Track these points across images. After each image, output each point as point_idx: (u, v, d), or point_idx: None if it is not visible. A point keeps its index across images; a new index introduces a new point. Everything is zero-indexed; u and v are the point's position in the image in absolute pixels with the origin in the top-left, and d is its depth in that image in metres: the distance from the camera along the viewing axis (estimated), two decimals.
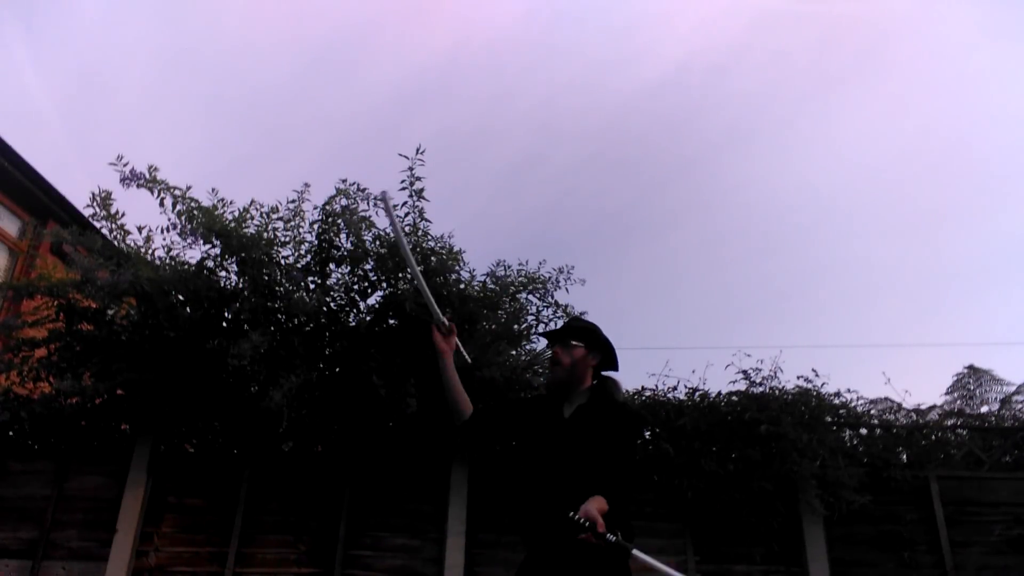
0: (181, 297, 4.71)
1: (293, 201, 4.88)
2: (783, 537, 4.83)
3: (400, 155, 4.65)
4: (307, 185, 4.92)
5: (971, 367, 6.85)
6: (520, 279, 5.08)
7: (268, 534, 4.93)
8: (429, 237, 4.83)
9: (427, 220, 4.83)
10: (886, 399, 5.52)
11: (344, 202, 4.77)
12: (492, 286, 4.95)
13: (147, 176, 4.55)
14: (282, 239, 4.87)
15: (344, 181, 4.81)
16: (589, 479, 2.10)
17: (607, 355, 2.45)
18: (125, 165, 4.53)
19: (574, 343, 2.38)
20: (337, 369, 4.88)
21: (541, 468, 2.25)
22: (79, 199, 7.32)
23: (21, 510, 5.02)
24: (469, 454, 5.01)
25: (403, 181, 4.72)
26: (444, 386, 2.43)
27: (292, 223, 4.88)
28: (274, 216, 4.84)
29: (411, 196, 4.76)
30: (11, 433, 5.30)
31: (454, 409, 2.42)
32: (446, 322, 2.40)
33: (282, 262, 4.84)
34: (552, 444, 2.28)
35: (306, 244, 4.94)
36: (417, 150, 4.64)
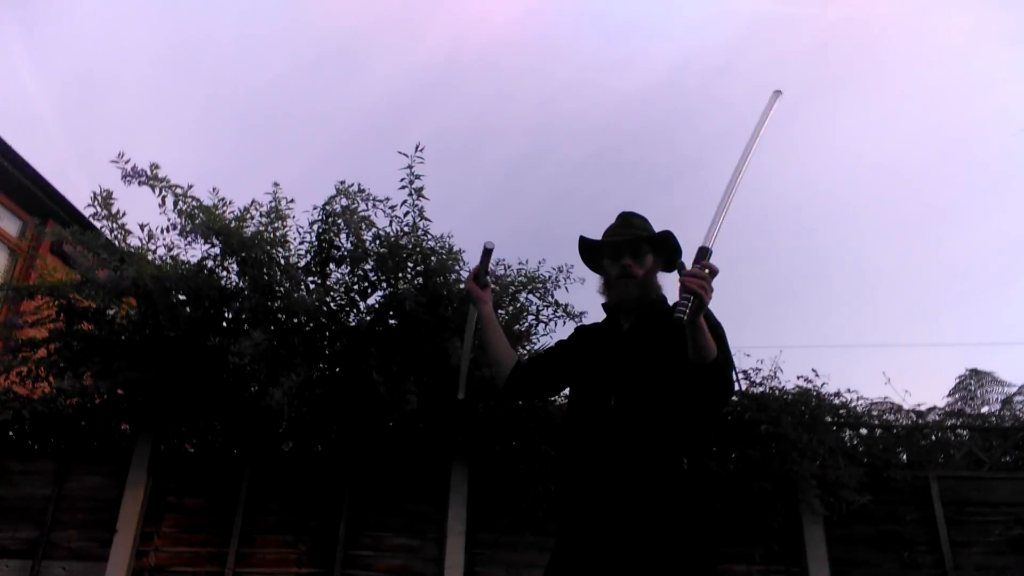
0: (182, 296, 4.71)
1: (272, 201, 4.87)
2: (783, 537, 4.82)
3: (399, 153, 4.64)
4: (276, 184, 4.90)
5: (973, 369, 6.88)
6: (520, 279, 5.08)
7: (268, 534, 4.93)
8: (429, 237, 4.83)
9: (427, 219, 4.83)
10: (886, 399, 5.53)
11: (344, 202, 4.77)
12: (492, 286, 4.95)
13: (148, 173, 4.55)
14: (280, 239, 4.87)
15: (343, 182, 4.81)
16: (656, 411, 1.77)
17: (671, 256, 2.06)
18: (127, 162, 4.53)
19: (646, 250, 2.01)
20: (337, 369, 4.88)
21: (595, 402, 1.87)
22: (78, 200, 7.33)
23: (21, 510, 5.01)
24: (469, 453, 5.01)
25: (402, 180, 4.72)
26: (485, 343, 2.13)
27: (275, 224, 4.87)
28: (267, 216, 4.84)
29: (411, 195, 4.76)
30: (11, 433, 5.29)
31: (498, 371, 2.12)
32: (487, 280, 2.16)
33: (282, 262, 4.84)
34: (609, 366, 1.90)
35: (305, 244, 4.95)
36: (416, 148, 4.63)
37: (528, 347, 5.22)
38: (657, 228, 2.05)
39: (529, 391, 2.17)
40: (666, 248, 2.04)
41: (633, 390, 1.82)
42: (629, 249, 2.00)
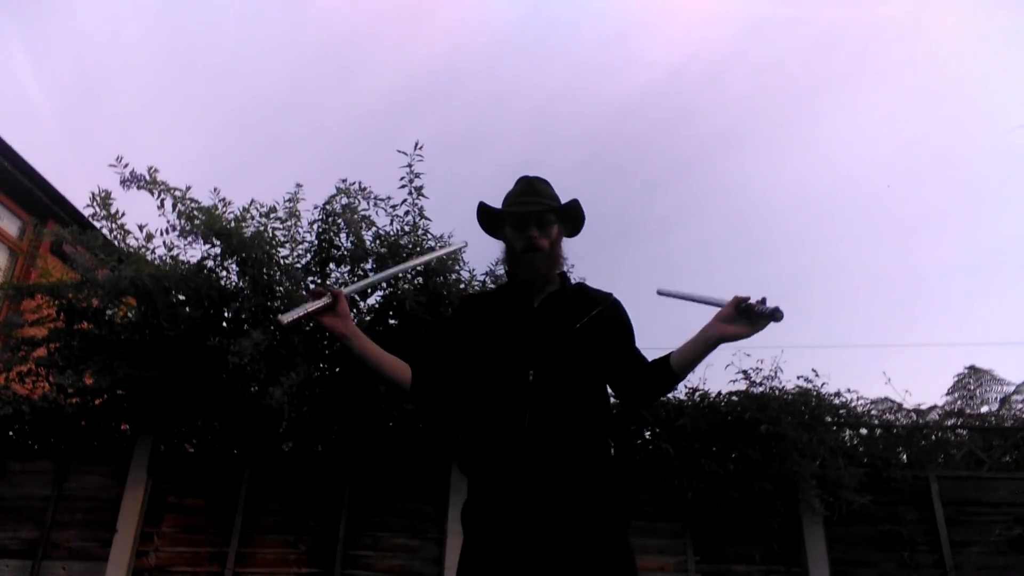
0: (182, 296, 4.71)
1: (289, 201, 4.87)
2: (783, 537, 4.82)
3: (399, 151, 4.63)
4: (299, 186, 4.90)
5: (972, 367, 6.86)
6: None
7: (268, 534, 4.92)
8: (429, 236, 4.83)
9: (427, 219, 4.82)
10: (886, 399, 5.52)
11: (345, 201, 4.77)
12: (491, 285, 4.95)
13: (147, 178, 4.54)
14: (281, 239, 4.87)
15: (344, 181, 4.81)
16: (579, 388, 1.72)
17: (576, 223, 2.00)
18: (125, 166, 4.52)
19: (552, 219, 1.91)
20: (337, 368, 4.88)
21: (511, 377, 1.74)
22: (78, 200, 7.33)
23: (21, 510, 5.01)
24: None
25: (402, 179, 4.72)
26: (373, 370, 1.80)
27: (288, 223, 4.87)
28: (272, 216, 4.84)
29: (410, 194, 4.75)
30: (11, 433, 5.29)
31: (397, 384, 1.82)
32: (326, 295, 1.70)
33: (282, 262, 4.84)
34: (523, 340, 1.78)
35: (305, 244, 4.95)
36: (416, 145, 4.62)
37: None
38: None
39: (442, 389, 1.86)
40: (570, 216, 1.97)
41: (553, 365, 1.73)
42: (535, 219, 1.88)
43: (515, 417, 1.68)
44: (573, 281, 2.01)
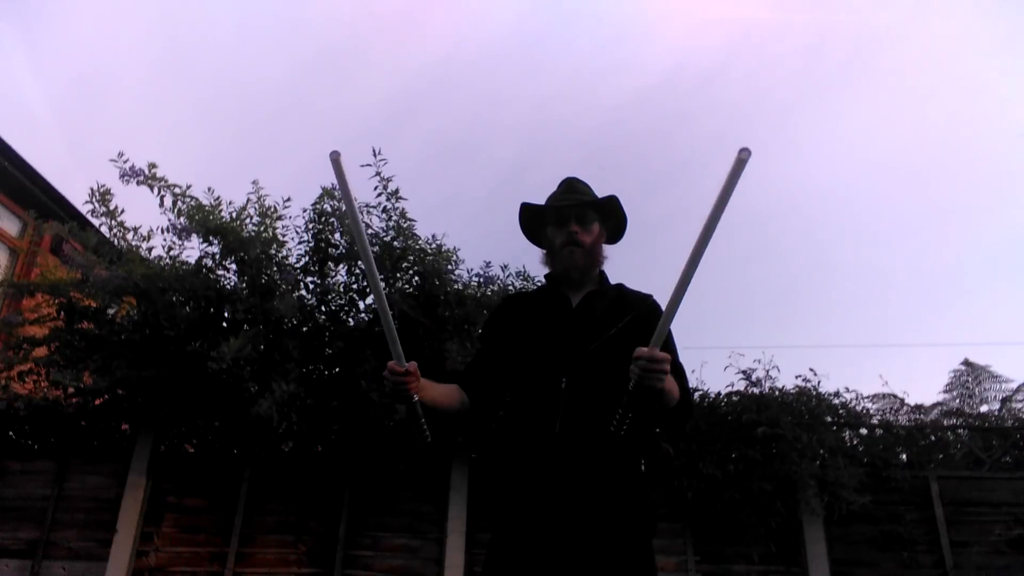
0: (181, 297, 4.70)
1: (288, 200, 4.86)
2: (783, 537, 4.82)
3: (362, 166, 4.54)
4: (255, 182, 4.84)
5: (967, 362, 6.82)
6: (516, 278, 5.05)
7: (268, 534, 4.93)
8: (419, 239, 4.78)
9: (411, 220, 4.76)
10: (886, 397, 5.51)
11: (332, 202, 4.75)
12: (487, 287, 4.92)
13: (146, 173, 4.54)
14: (280, 238, 4.86)
15: (333, 186, 4.77)
16: (612, 397, 1.62)
17: (618, 227, 1.99)
18: (125, 162, 4.52)
19: (592, 216, 1.90)
20: (337, 369, 4.87)
21: (545, 383, 1.73)
22: (78, 200, 7.32)
23: (21, 510, 5.01)
24: (469, 453, 5.01)
25: (376, 188, 4.68)
26: (435, 407, 1.81)
27: (274, 224, 4.85)
28: (274, 216, 4.83)
29: (388, 199, 4.71)
30: (11, 433, 5.29)
31: (456, 414, 1.86)
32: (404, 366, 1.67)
33: (283, 262, 4.83)
34: (559, 341, 1.76)
35: (303, 245, 4.94)
36: (374, 152, 4.56)
37: None
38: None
39: (494, 392, 1.88)
40: (612, 216, 1.95)
41: (586, 373, 1.71)
42: (576, 214, 1.88)
43: (546, 423, 1.68)
44: (612, 282, 1.98)
